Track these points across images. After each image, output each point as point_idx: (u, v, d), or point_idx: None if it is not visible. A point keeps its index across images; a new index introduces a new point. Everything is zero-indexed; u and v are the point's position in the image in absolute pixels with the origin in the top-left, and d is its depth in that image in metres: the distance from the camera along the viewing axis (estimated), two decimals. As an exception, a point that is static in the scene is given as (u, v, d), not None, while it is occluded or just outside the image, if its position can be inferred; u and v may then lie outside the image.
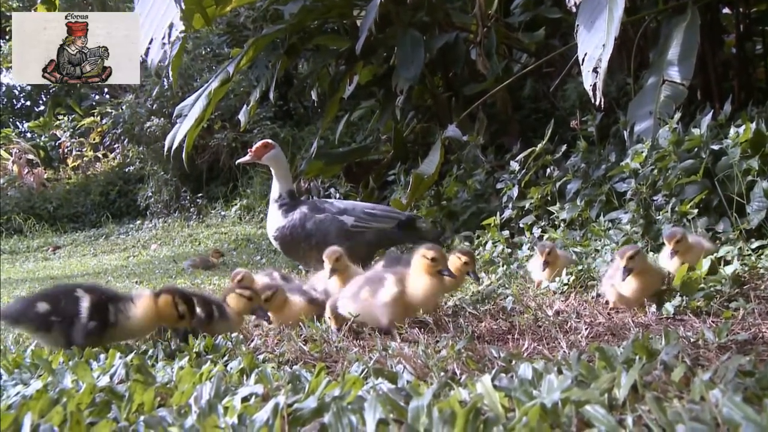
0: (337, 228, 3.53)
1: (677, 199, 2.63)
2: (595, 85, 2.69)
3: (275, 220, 3.63)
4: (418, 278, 1.89)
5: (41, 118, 15.60)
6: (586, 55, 2.76)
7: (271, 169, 3.71)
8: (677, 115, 2.78)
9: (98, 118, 12.15)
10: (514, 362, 1.28)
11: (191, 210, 10.13)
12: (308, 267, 3.61)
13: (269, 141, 3.69)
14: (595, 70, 2.69)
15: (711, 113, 2.72)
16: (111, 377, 1.37)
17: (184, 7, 3.87)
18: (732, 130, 2.51)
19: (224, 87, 5.01)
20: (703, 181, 2.61)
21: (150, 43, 4.28)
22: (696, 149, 2.67)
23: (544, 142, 3.58)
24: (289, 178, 3.74)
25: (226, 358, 1.58)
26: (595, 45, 2.73)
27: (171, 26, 4.04)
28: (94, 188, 12.28)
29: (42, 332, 1.75)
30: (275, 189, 3.66)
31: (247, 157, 3.67)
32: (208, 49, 10.39)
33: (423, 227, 3.92)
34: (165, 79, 10.04)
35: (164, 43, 4.17)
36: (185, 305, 1.76)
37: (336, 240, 3.49)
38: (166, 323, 1.80)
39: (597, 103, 2.68)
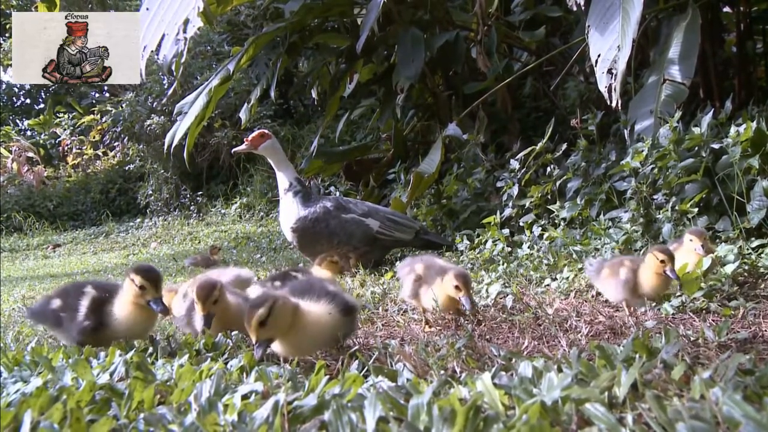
0: (363, 232, 3.51)
1: (677, 198, 2.63)
2: (610, 86, 2.67)
3: (292, 209, 3.54)
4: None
5: (41, 116, 15.61)
6: (599, 56, 2.74)
7: (269, 160, 3.67)
8: (678, 114, 2.78)
9: (98, 116, 12.16)
10: (514, 360, 1.28)
11: (191, 208, 10.14)
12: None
13: (265, 131, 3.64)
14: (609, 72, 2.67)
15: (711, 112, 2.72)
16: (111, 375, 1.37)
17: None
18: (732, 129, 2.51)
19: (224, 85, 5.01)
20: (703, 180, 2.61)
21: (162, 39, 4.22)
22: (696, 148, 2.67)
23: (544, 140, 3.58)
24: (291, 166, 3.69)
25: (226, 356, 1.58)
26: (609, 47, 2.71)
27: (187, 22, 3.98)
28: (94, 186, 12.29)
29: (56, 328, 1.75)
30: (283, 179, 3.61)
31: (243, 146, 3.63)
32: (209, 47, 10.38)
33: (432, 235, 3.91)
34: (165, 77, 10.04)
35: (178, 39, 4.12)
36: (140, 275, 1.63)
37: (359, 243, 3.48)
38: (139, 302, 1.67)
39: (614, 105, 2.67)
